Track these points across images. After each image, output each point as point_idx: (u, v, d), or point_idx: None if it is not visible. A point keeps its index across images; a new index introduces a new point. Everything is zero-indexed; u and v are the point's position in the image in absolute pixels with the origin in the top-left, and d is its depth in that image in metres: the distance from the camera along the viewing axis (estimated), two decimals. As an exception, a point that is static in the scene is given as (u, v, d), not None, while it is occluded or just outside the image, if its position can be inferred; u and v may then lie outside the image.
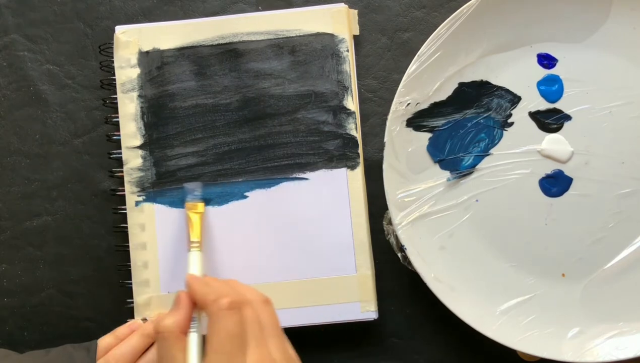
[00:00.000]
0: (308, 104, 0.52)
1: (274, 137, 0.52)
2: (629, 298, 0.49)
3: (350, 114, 0.51)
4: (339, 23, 0.52)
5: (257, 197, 0.51)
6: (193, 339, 0.41)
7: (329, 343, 0.52)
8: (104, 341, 0.49)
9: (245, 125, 0.52)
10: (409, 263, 0.49)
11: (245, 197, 0.51)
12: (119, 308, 0.52)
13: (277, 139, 0.52)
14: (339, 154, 0.51)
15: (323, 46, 0.52)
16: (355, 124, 0.52)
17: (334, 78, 0.52)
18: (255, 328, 0.39)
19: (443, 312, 0.48)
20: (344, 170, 0.51)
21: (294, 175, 0.51)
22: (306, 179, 0.51)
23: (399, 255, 0.50)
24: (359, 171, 0.51)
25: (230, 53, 0.52)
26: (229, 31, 0.52)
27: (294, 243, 0.51)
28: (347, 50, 0.52)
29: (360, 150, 0.51)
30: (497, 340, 0.47)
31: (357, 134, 0.51)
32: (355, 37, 0.53)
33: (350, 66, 0.52)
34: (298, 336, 0.52)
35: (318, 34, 0.52)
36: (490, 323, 0.48)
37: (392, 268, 0.51)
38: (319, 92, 0.52)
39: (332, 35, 0.52)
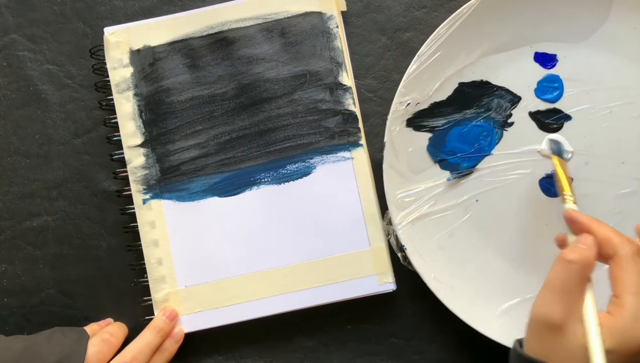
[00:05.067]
0: (304, 84, 0.52)
1: (273, 121, 0.52)
2: (629, 298, 0.49)
3: (346, 89, 0.51)
4: (326, 0, 0.52)
5: (265, 183, 0.51)
6: (591, 288, 0.37)
7: (330, 341, 0.52)
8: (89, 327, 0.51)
9: (244, 112, 0.52)
10: (409, 263, 0.49)
11: (253, 184, 0.51)
12: (119, 308, 0.52)
13: (276, 122, 0.52)
14: (340, 130, 0.51)
15: (312, 25, 0.52)
16: (353, 99, 0.52)
17: (327, 55, 0.52)
18: None
19: (443, 312, 0.48)
20: (347, 146, 0.51)
21: (298, 156, 0.51)
22: (311, 159, 0.51)
23: (399, 255, 0.50)
24: (362, 145, 0.51)
25: (220, 42, 0.52)
26: (217, 20, 0.52)
27: (306, 224, 0.51)
28: (337, 27, 0.52)
29: (360, 125, 0.51)
30: (497, 340, 0.47)
31: (356, 109, 0.51)
32: (352, 36, 0.54)
33: (341, 42, 0.52)
34: (297, 336, 0.53)
35: (306, 14, 0.52)
36: (490, 323, 0.48)
37: (393, 268, 0.51)
38: (313, 71, 0.52)
39: (320, 14, 0.52)
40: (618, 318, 0.35)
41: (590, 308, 0.36)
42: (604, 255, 0.38)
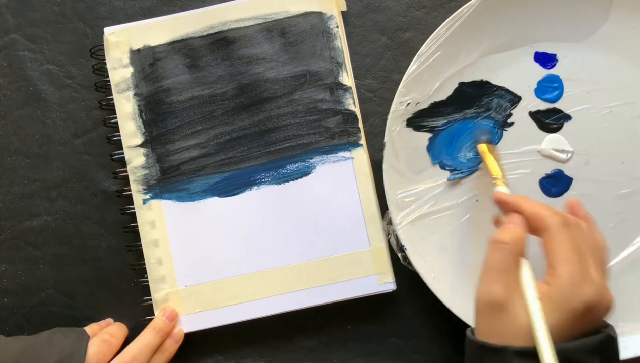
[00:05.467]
0: (304, 83, 0.52)
1: (273, 121, 0.52)
2: (628, 299, 0.49)
3: (346, 89, 0.51)
4: (326, 0, 0.52)
5: (265, 183, 0.51)
6: (525, 262, 0.39)
7: (330, 341, 0.52)
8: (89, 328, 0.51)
9: (244, 112, 0.52)
10: (409, 263, 0.49)
11: (253, 184, 0.51)
12: (119, 308, 0.52)
13: (276, 122, 0.52)
14: (340, 130, 0.51)
15: (312, 25, 0.52)
16: (353, 99, 0.52)
17: (327, 55, 0.52)
18: (588, 245, 0.39)
19: (443, 312, 0.48)
20: (347, 146, 0.51)
21: (298, 156, 0.51)
22: (311, 159, 0.51)
23: (399, 255, 0.50)
24: (362, 145, 0.51)
25: (220, 42, 0.52)
26: (217, 20, 0.52)
27: (306, 224, 0.51)
28: (337, 27, 0.52)
29: (360, 125, 0.51)
30: (497, 340, 0.47)
31: (356, 109, 0.52)
32: (352, 36, 0.54)
33: (341, 42, 0.52)
34: (297, 336, 0.53)
35: (306, 14, 0.52)
36: (490, 323, 0.48)
37: (393, 268, 0.51)
38: (313, 71, 0.52)
39: (320, 13, 0.52)
40: (555, 287, 0.37)
41: (528, 281, 0.38)
42: (535, 229, 0.40)
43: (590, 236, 0.41)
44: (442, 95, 0.51)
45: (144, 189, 0.51)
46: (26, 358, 0.46)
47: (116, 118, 0.52)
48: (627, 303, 0.49)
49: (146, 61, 0.52)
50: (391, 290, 0.50)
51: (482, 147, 0.49)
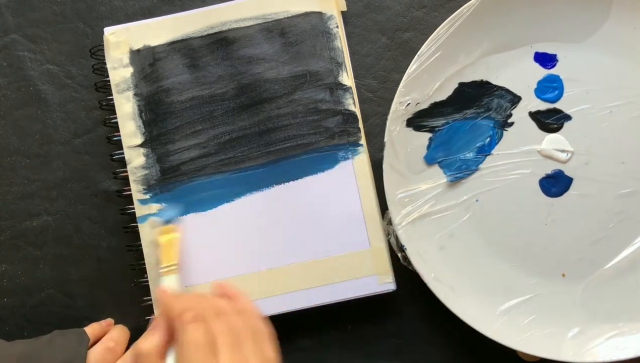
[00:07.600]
0: (304, 84, 0.52)
1: (273, 121, 0.52)
2: (628, 299, 0.49)
3: (346, 89, 0.51)
4: (326, 0, 0.52)
5: (265, 183, 0.51)
6: (170, 361, 0.40)
7: (328, 342, 0.52)
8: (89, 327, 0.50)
9: (244, 112, 0.52)
10: (409, 263, 0.49)
11: (253, 186, 0.51)
12: (119, 308, 0.52)
13: (276, 122, 0.52)
14: (340, 130, 0.51)
15: (312, 25, 0.52)
16: (353, 99, 0.52)
17: (327, 55, 0.52)
18: (227, 335, 0.38)
19: (443, 312, 0.48)
20: (347, 146, 0.51)
21: (298, 156, 0.51)
22: (310, 158, 0.51)
23: (399, 255, 0.50)
24: (362, 145, 0.51)
25: (220, 42, 0.52)
26: (217, 20, 0.52)
27: (306, 224, 0.51)
28: (337, 27, 0.52)
29: (360, 125, 0.51)
30: (497, 340, 0.47)
31: (356, 109, 0.52)
32: (352, 36, 0.54)
33: (341, 42, 0.52)
34: (297, 336, 0.53)
35: (306, 14, 0.52)
36: (490, 323, 0.48)
37: (393, 268, 0.51)
38: (313, 71, 0.52)
39: (320, 14, 0.52)
40: None
41: None
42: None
43: (240, 319, 0.40)
44: (442, 95, 0.51)
45: (144, 189, 0.51)
46: (26, 362, 0.46)
47: (116, 118, 0.52)
48: (627, 303, 0.49)
49: (146, 61, 0.52)
50: (391, 290, 0.50)
51: (163, 231, 0.49)
